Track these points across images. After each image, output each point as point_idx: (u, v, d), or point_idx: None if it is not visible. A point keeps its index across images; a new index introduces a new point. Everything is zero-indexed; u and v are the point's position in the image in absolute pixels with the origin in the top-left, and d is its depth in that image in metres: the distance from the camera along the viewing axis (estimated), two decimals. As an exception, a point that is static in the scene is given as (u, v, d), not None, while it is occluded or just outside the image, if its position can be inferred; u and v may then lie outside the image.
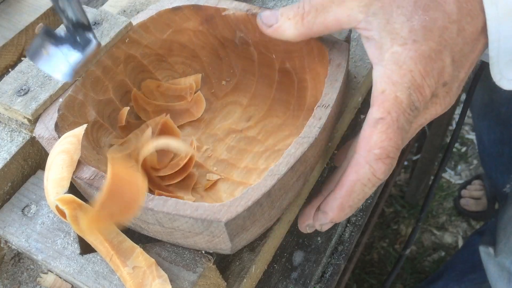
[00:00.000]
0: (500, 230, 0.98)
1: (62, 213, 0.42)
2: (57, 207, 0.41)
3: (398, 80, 0.37)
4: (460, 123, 0.99)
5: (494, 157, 1.25)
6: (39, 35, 0.41)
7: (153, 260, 0.40)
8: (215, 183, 0.49)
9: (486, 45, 0.40)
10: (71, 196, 0.40)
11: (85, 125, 0.42)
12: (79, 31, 0.42)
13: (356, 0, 0.38)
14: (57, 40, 0.42)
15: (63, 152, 0.41)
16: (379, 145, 0.37)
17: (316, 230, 0.44)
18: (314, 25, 0.41)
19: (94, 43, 0.42)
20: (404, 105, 0.37)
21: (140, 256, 0.40)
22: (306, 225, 0.44)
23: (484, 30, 0.39)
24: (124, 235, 0.41)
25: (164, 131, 0.50)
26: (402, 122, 0.37)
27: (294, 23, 0.41)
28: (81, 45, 0.42)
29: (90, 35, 0.42)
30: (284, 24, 0.42)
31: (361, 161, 0.38)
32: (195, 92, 0.55)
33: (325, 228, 0.43)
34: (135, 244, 0.41)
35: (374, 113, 0.37)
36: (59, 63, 0.42)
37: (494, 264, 0.98)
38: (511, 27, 0.38)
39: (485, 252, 1.01)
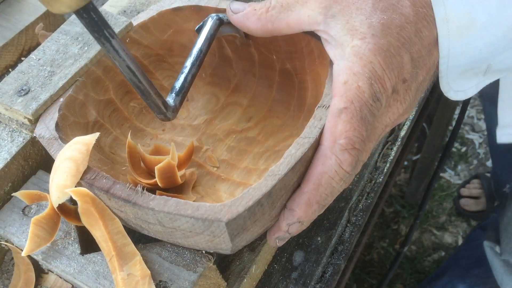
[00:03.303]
0: (502, 231, 0.98)
1: (64, 214, 0.43)
2: (59, 207, 0.41)
3: (359, 70, 0.38)
4: (459, 122, 0.99)
5: (501, 152, 1.24)
6: None
7: (148, 272, 0.40)
8: (215, 178, 0.49)
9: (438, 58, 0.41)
10: (85, 189, 0.40)
11: (97, 134, 0.42)
12: None
13: (317, 1, 0.40)
14: None
15: (70, 160, 0.40)
16: (344, 134, 0.37)
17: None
18: (276, 20, 0.42)
19: None
20: (366, 95, 0.37)
21: (138, 264, 0.40)
22: (276, 237, 0.41)
23: (438, 39, 0.40)
24: (129, 239, 0.41)
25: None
26: (365, 113, 0.37)
27: (259, 14, 0.43)
28: None
29: None
30: (248, 13, 0.44)
31: (327, 153, 0.38)
32: None
33: (292, 230, 0.40)
34: (137, 251, 0.41)
35: (337, 103, 0.38)
36: None
37: (499, 260, 0.99)
38: (460, 46, 0.40)
39: (490, 248, 1.01)
